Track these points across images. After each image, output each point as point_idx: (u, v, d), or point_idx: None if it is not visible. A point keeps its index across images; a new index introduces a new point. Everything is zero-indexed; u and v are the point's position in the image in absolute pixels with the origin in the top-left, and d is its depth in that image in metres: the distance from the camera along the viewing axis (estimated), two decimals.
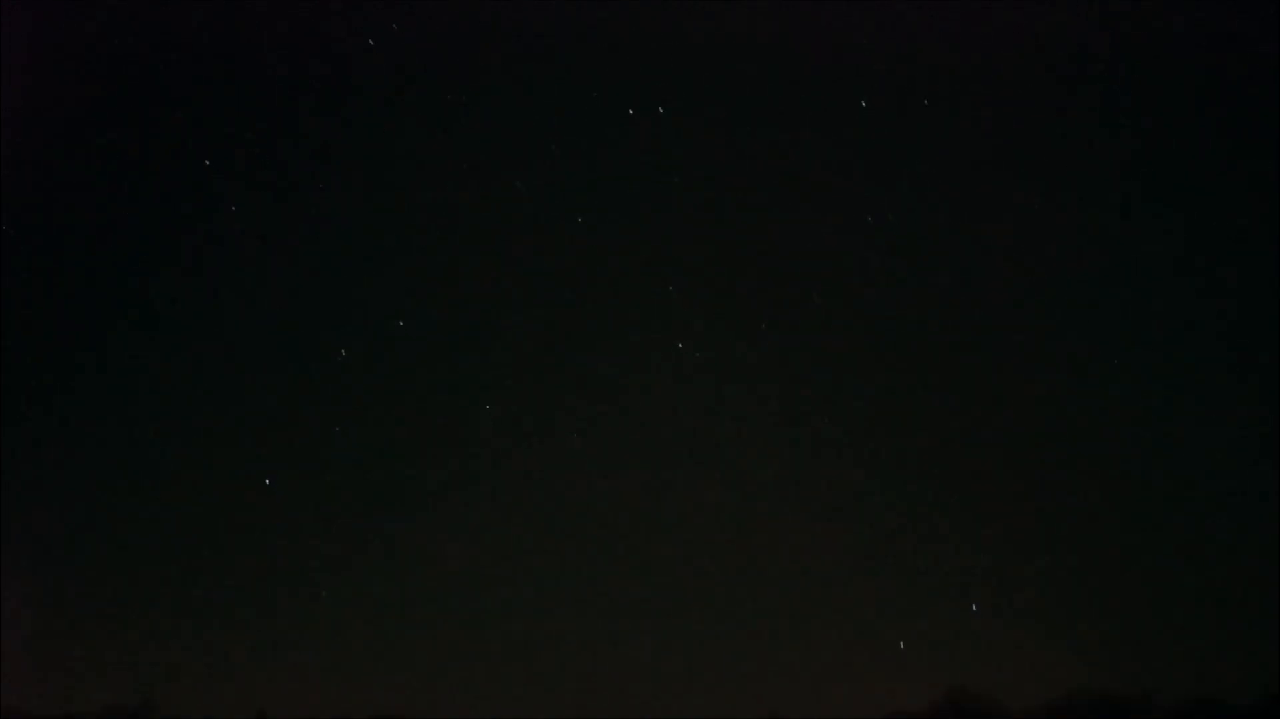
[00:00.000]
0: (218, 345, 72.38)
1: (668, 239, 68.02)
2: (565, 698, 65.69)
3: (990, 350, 69.74)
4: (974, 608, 64.06)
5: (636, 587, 69.20)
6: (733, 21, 64.07)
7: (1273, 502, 62.24)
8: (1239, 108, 51.98)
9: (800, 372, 69.41)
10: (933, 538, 69.01)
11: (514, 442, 71.76)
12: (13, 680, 51.55)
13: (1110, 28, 55.00)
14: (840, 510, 69.11)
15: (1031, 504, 67.12)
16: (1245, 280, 59.07)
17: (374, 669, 66.49)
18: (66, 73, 57.35)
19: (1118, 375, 69.03)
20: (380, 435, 74.38)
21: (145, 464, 71.15)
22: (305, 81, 60.56)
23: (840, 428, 68.60)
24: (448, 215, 67.89)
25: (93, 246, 65.81)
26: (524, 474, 70.30)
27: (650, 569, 69.25)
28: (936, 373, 68.58)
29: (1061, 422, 68.07)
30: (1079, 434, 67.79)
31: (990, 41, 56.40)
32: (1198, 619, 61.19)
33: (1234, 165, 55.82)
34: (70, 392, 70.92)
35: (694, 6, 58.77)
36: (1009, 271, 63.87)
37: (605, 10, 58.34)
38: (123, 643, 63.67)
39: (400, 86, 61.63)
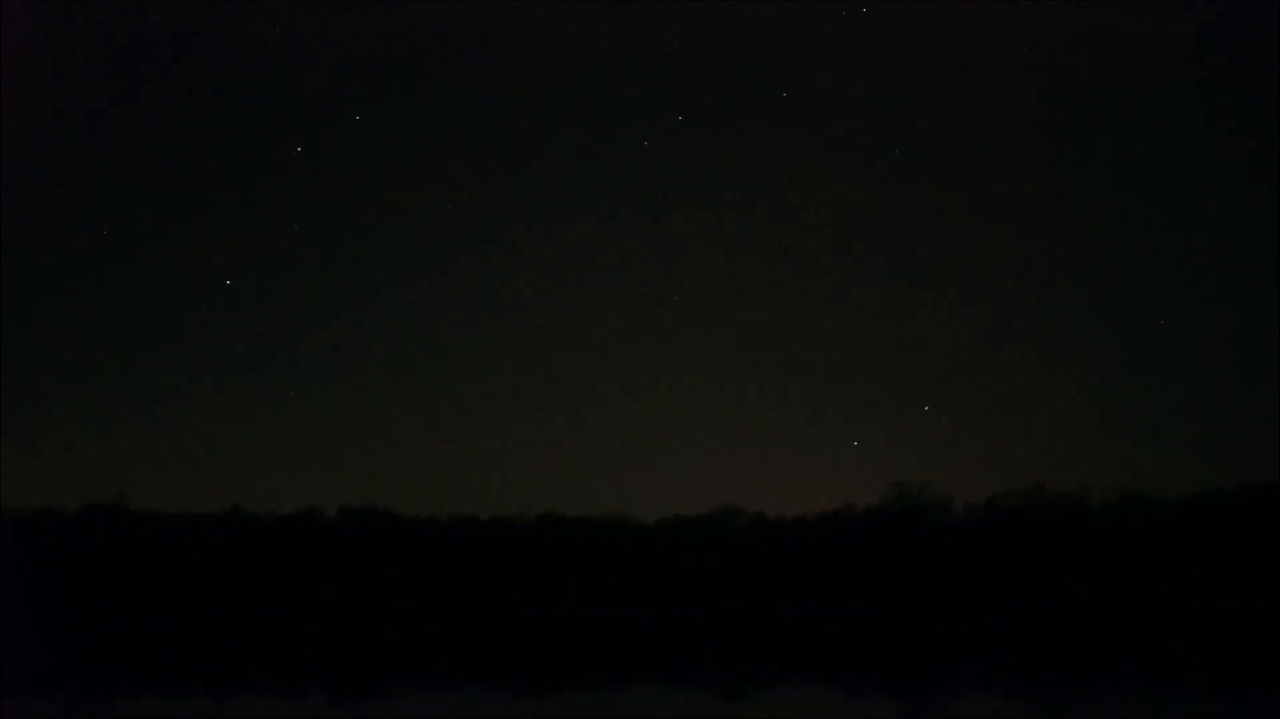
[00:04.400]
0: (169, 151, 71.46)
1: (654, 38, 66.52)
2: (526, 492, 68.00)
3: (947, 158, 69.75)
4: (926, 408, 66.31)
5: (598, 383, 70.87)
6: None
7: (1204, 320, 63.95)
8: None
9: (768, 173, 69.48)
10: (891, 340, 70.63)
11: (473, 239, 71.90)
12: None
13: None
14: (801, 311, 70.42)
15: (983, 313, 68.59)
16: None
17: (344, 462, 68.29)
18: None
19: (1069, 190, 69.38)
20: (342, 232, 74.26)
21: (114, 267, 71.02)
22: None
23: (803, 233, 69.37)
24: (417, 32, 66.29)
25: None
26: (485, 272, 70.71)
27: (609, 364, 70.76)
28: (904, 186, 68.90)
29: (1014, 236, 69.02)
30: (1028, 250, 68.88)
31: None
32: (1131, 422, 63.60)
33: None
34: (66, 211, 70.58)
35: None
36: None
37: None
38: (98, 439, 65.03)
39: None
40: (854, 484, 66.52)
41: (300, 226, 68.29)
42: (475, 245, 71.52)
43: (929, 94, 66.92)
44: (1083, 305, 68.70)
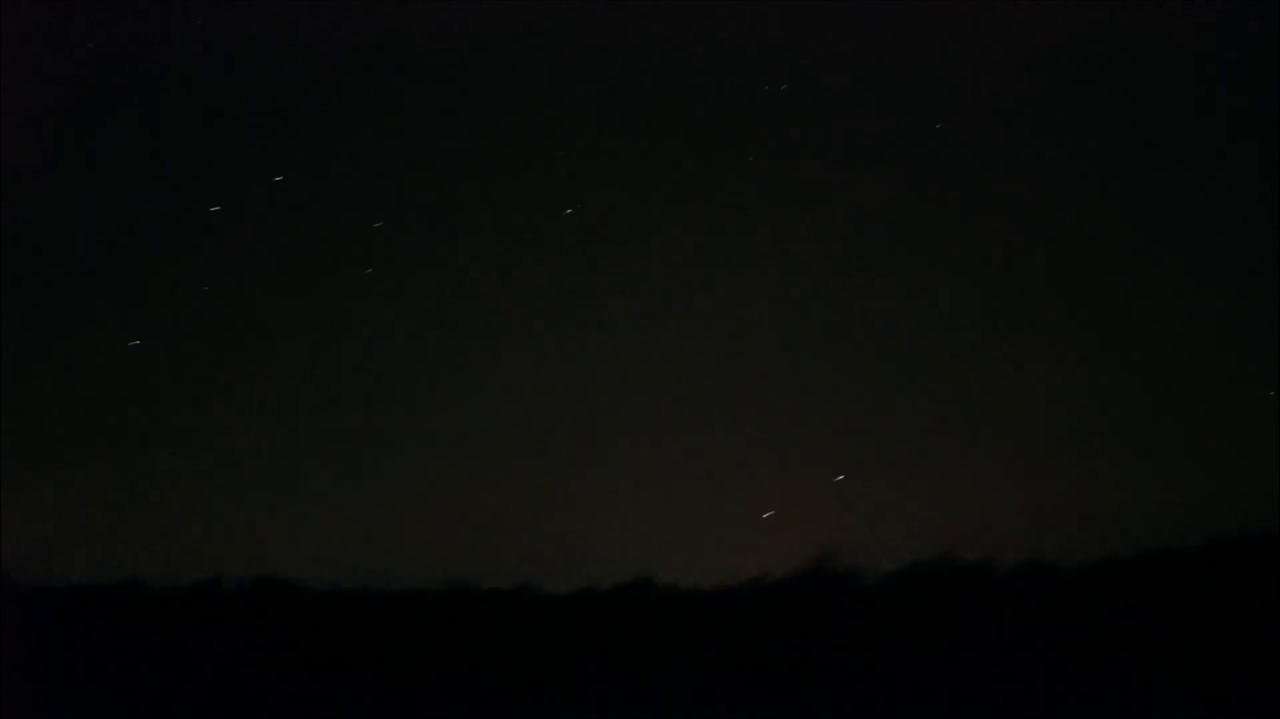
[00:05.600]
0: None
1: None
2: (431, 563, 66.95)
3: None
4: (840, 477, 66.69)
5: (506, 450, 70.25)
6: None
7: (1112, 378, 65.23)
8: None
9: (665, 215, 69.90)
10: (801, 408, 71.13)
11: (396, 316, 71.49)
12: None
13: None
14: (711, 379, 70.66)
15: (894, 379, 69.48)
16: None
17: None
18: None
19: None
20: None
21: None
22: None
23: (717, 302, 69.83)
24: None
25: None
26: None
27: (518, 430, 70.19)
28: (809, 243, 69.79)
29: (929, 304, 70.07)
30: (938, 316, 69.87)
31: None
32: (1041, 489, 64.43)
33: None
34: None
35: None
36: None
37: None
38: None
39: None
40: (768, 555, 66.36)
41: (210, 287, 67.29)
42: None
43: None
44: (996, 370, 69.62)
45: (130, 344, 60.66)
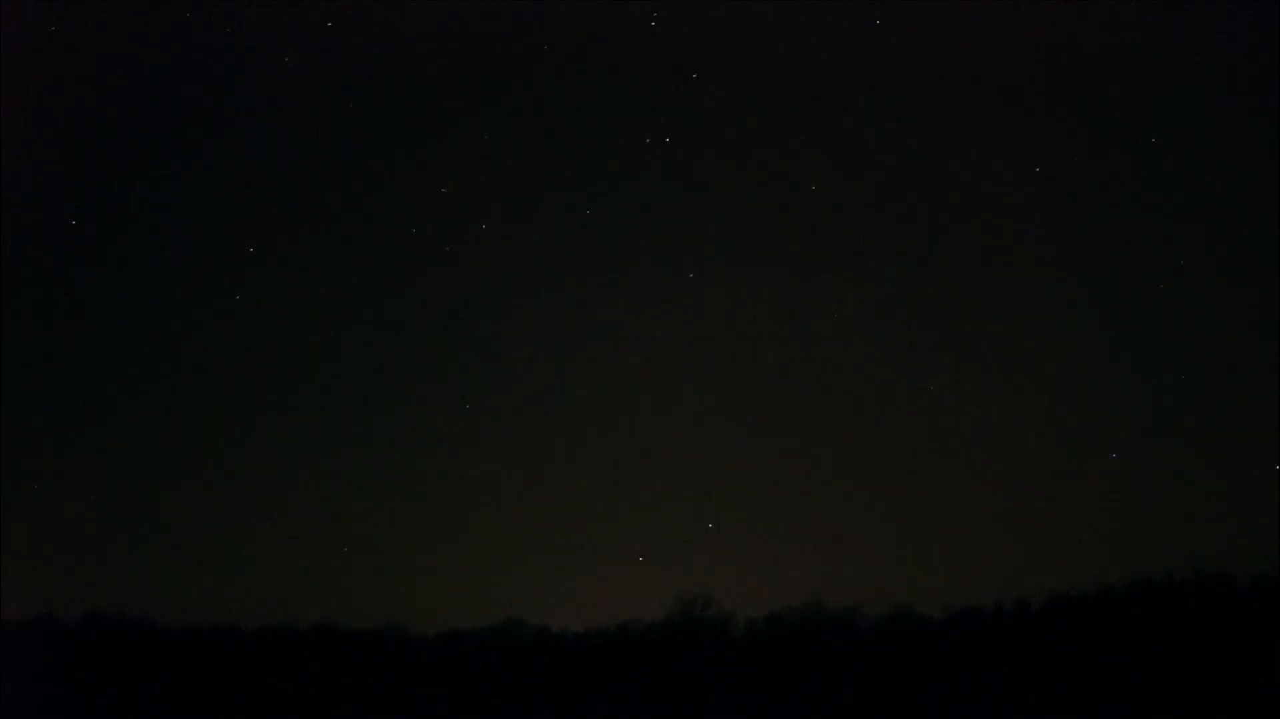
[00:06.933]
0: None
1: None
2: (298, 601, 65.33)
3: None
4: (710, 525, 67.15)
5: (374, 490, 69.05)
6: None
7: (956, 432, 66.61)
8: None
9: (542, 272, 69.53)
10: (676, 453, 71.32)
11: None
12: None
13: None
14: (586, 423, 70.54)
15: (763, 431, 70.17)
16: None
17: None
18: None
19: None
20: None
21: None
22: None
23: (584, 336, 69.73)
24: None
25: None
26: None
27: (385, 470, 69.10)
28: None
29: (783, 363, 70.87)
30: (804, 372, 70.76)
31: None
32: (898, 541, 65.70)
33: None
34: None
35: None
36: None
37: None
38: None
39: None
40: (639, 599, 66.61)
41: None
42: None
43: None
44: (849, 427, 70.62)
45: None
